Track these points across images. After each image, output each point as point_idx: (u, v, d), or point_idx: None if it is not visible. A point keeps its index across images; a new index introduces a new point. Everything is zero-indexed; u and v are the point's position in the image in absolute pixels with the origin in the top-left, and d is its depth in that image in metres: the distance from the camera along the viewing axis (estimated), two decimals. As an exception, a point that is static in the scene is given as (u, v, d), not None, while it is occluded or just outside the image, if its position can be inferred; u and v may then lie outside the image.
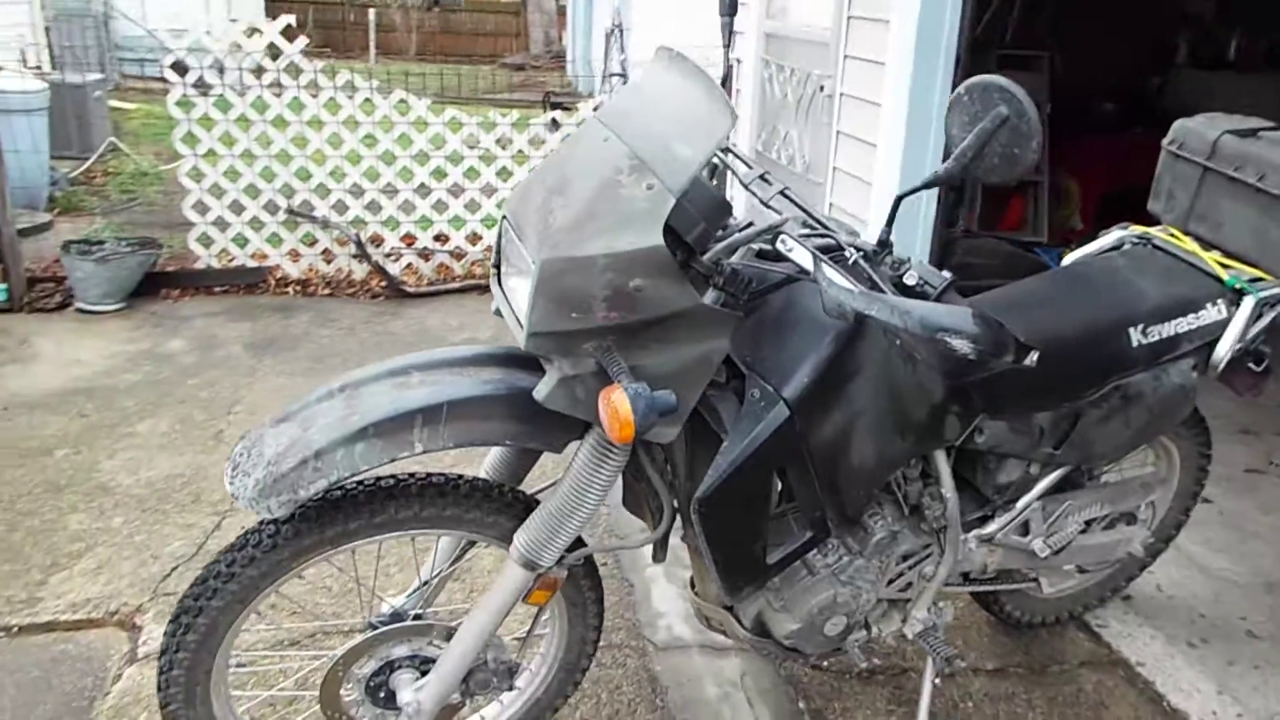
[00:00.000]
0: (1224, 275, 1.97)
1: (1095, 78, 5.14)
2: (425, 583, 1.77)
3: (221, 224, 4.70)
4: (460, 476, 1.61)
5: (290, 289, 4.78)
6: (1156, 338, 1.89)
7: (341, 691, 1.65)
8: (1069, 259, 2.18)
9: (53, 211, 5.84)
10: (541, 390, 1.40)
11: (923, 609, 1.98)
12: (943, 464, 1.82)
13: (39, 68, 8.35)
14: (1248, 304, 1.93)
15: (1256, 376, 2.10)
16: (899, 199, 1.42)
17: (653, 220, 1.29)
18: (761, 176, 1.52)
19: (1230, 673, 2.30)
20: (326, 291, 4.80)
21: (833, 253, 1.43)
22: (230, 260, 4.78)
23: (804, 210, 1.48)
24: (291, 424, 1.44)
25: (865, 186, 3.59)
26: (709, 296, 1.46)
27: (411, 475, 1.57)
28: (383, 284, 4.83)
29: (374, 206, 4.84)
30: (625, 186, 1.32)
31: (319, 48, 16.16)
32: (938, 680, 2.14)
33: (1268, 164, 1.94)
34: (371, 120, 4.67)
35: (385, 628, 1.63)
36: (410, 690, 1.65)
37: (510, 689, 1.75)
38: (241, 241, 4.77)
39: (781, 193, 1.48)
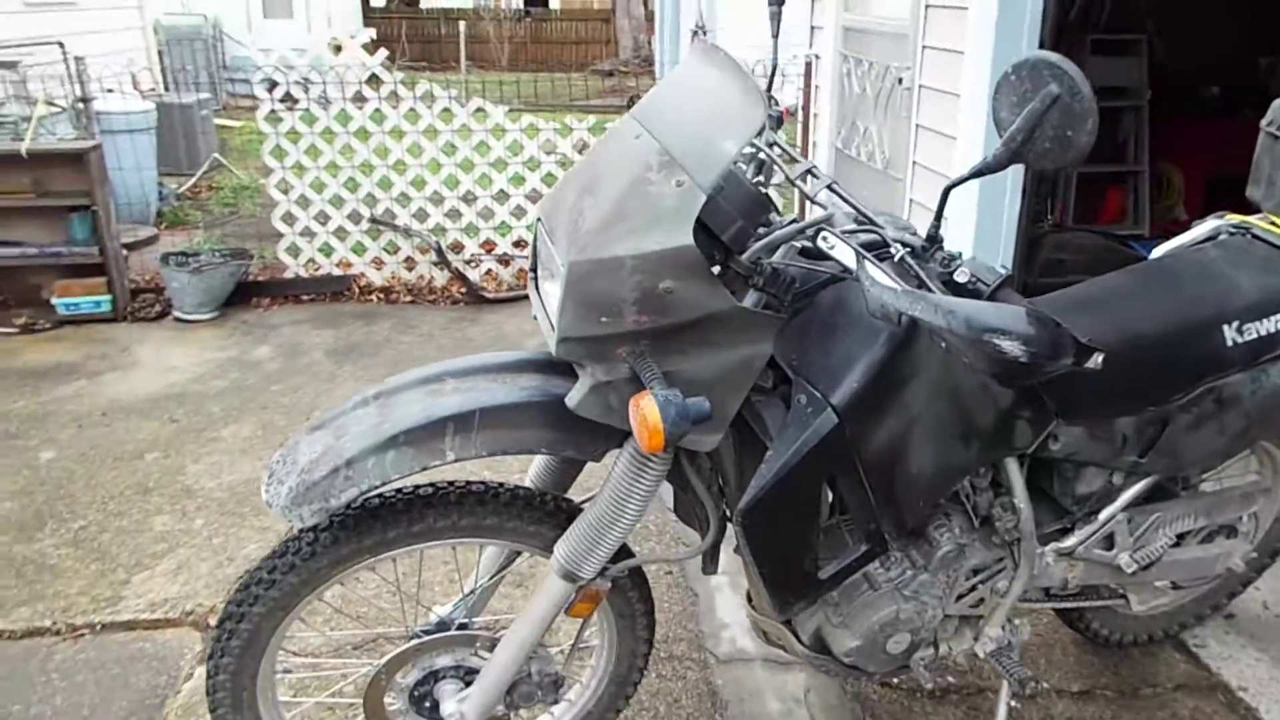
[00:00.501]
0: (1332, 264, 1.80)
1: (1198, 60, 4.82)
2: (470, 592, 1.75)
3: (308, 234, 4.83)
4: (501, 485, 1.58)
5: (374, 296, 4.88)
6: (1254, 335, 1.74)
7: (385, 700, 1.65)
8: (1158, 252, 2.02)
9: (159, 226, 6.12)
10: (574, 397, 1.36)
11: (996, 626, 1.87)
12: (1014, 473, 1.71)
13: (153, 89, 8.78)
14: (1357, 297, 1.75)
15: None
16: (947, 189, 1.33)
17: (682, 219, 1.24)
18: (809, 171, 1.45)
19: (1347, 702, 2.10)
20: (408, 299, 4.89)
21: (878, 249, 1.35)
22: (316, 269, 4.92)
23: (852, 205, 1.41)
24: (325, 431, 1.44)
25: (945, 181, 3.44)
26: (749, 299, 1.40)
27: (450, 484, 1.55)
28: (462, 290, 4.89)
29: (454, 214, 4.91)
30: (654, 184, 1.27)
31: (415, 61, 16.64)
32: (1015, 703, 2.01)
33: (1381, 143, 1.76)
34: (450, 129, 4.73)
35: (428, 637, 1.62)
36: (454, 701, 1.63)
37: (555, 702, 1.71)
38: (327, 251, 4.90)
39: (829, 187, 1.40)
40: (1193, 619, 2.28)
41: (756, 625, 1.91)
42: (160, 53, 10.23)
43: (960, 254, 1.34)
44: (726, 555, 2.70)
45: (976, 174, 1.30)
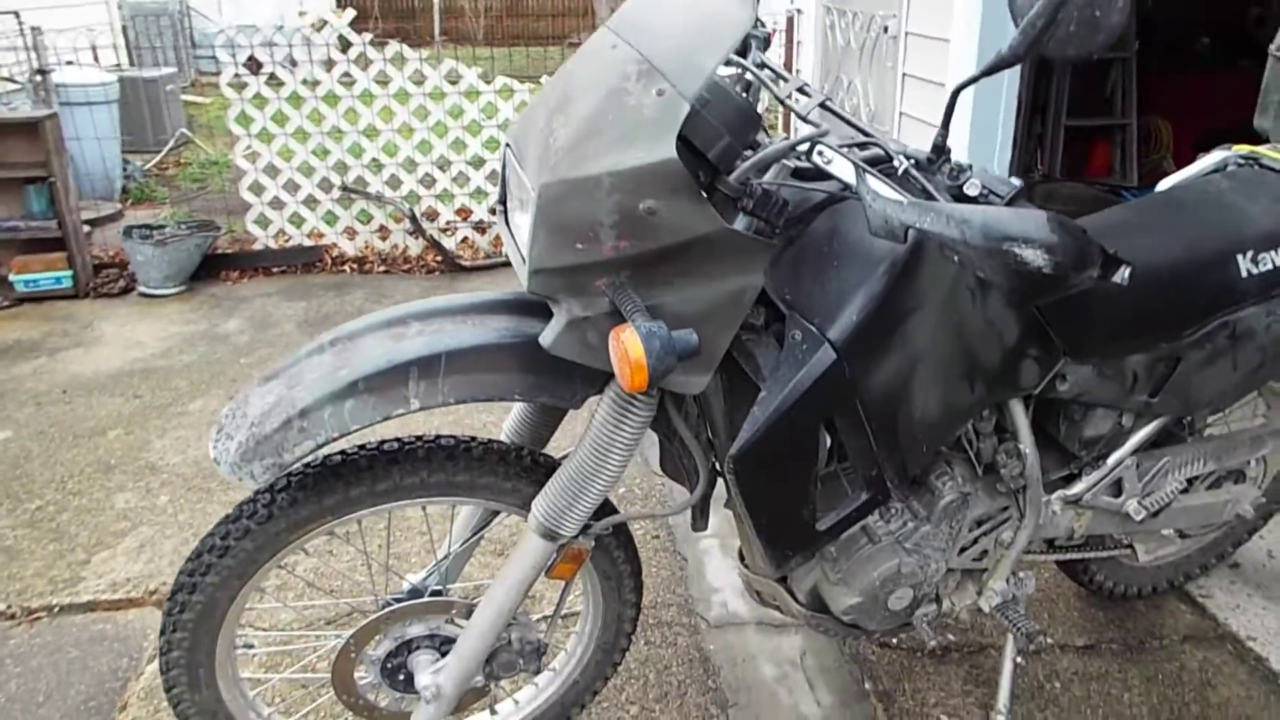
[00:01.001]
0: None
1: (1187, 11, 4.72)
2: (445, 557, 1.64)
3: (277, 204, 4.68)
4: (473, 439, 1.47)
5: (347, 267, 4.74)
6: (1270, 266, 1.64)
7: (355, 674, 1.54)
8: (1164, 185, 1.92)
9: (125, 202, 5.93)
10: (548, 335, 1.24)
11: (1000, 580, 1.78)
12: (1020, 416, 1.61)
13: (116, 65, 8.53)
14: (1377, 222, 1.66)
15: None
16: (956, 91, 1.22)
17: (663, 130, 1.12)
18: (800, 89, 1.33)
19: (1361, 649, 2.03)
20: (382, 269, 4.74)
21: (881, 164, 1.24)
22: (287, 240, 4.76)
23: (849, 122, 1.29)
24: (278, 381, 1.32)
25: (933, 131, 3.33)
26: (739, 223, 1.28)
27: (419, 438, 1.44)
28: (438, 259, 4.75)
29: (428, 180, 4.76)
30: (632, 95, 1.15)
31: (388, 37, 16.31)
32: (1020, 659, 1.93)
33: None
34: (422, 91, 4.57)
35: (399, 604, 1.51)
36: (428, 673, 1.52)
37: (538, 671, 1.61)
38: (298, 221, 4.74)
39: (822, 104, 1.28)
40: (1198, 569, 2.21)
41: (750, 585, 1.82)
42: (125, 28, 9.95)
43: (969, 165, 1.23)
44: (717, 515, 2.60)
45: (990, 70, 1.18)
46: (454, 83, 4.61)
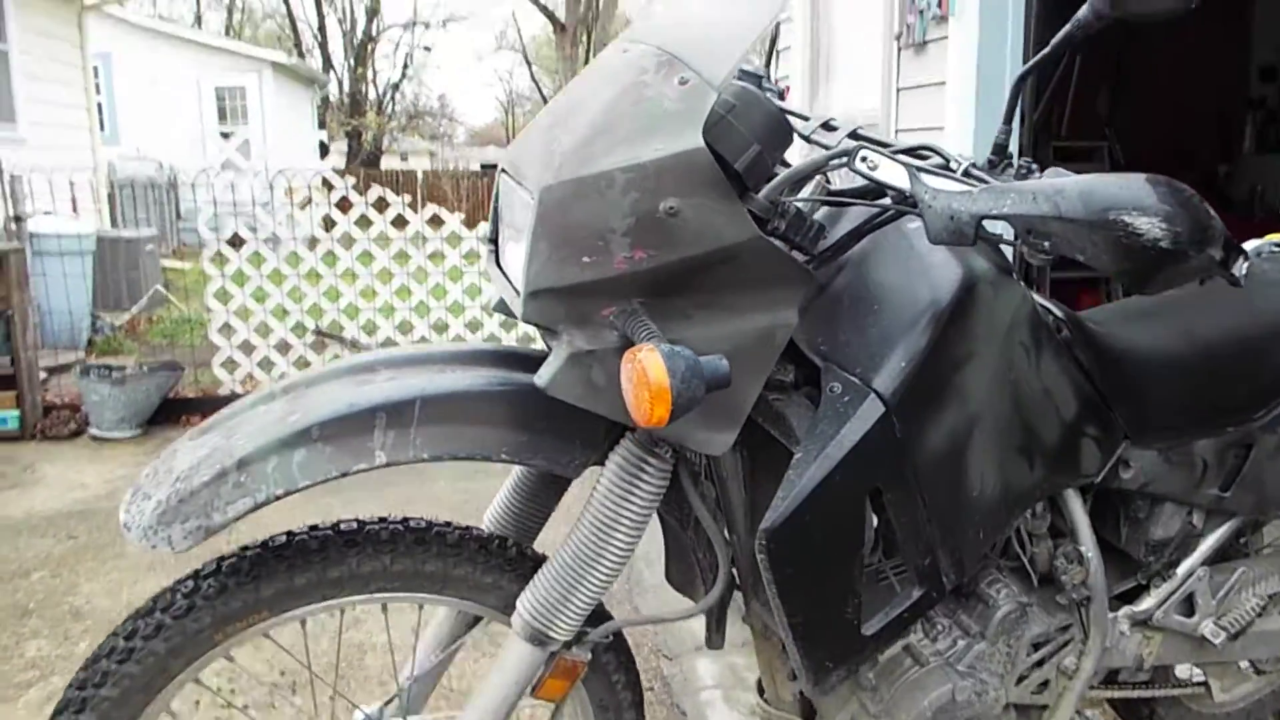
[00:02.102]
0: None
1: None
2: (410, 680, 1.35)
3: (247, 348, 4.50)
4: (448, 523, 1.23)
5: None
6: (1338, 342, 1.49)
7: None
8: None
9: (90, 354, 5.74)
10: (545, 373, 1.03)
11: (1066, 715, 1.50)
12: (1079, 510, 1.40)
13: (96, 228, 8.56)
14: None
15: None
16: (1020, 79, 1.08)
17: (688, 120, 0.97)
18: (826, 124, 1.20)
19: None
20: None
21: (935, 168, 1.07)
22: (255, 385, 4.55)
23: (886, 146, 1.15)
24: (214, 433, 1.09)
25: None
26: None
27: (382, 520, 1.20)
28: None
29: (405, 326, 4.62)
30: (651, 86, 1.00)
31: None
32: (1093, 818, 1.62)
33: None
34: (403, 236, 4.52)
35: (349, 736, 1.21)
36: (382, 825, 1.21)
37: (518, 824, 1.29)
38: (267, 366, 4.55)
39: (853, 134, 1.15)
40: (1272, 716, 1.92)
41: (770, 723, 1.53)
42: (111, 195, 10.08)
43: (1036, 164, 1.07)
44: (718, 663, 2.28)
45: (1064, 44, 1.04)
46: (436, 229, 4.57)
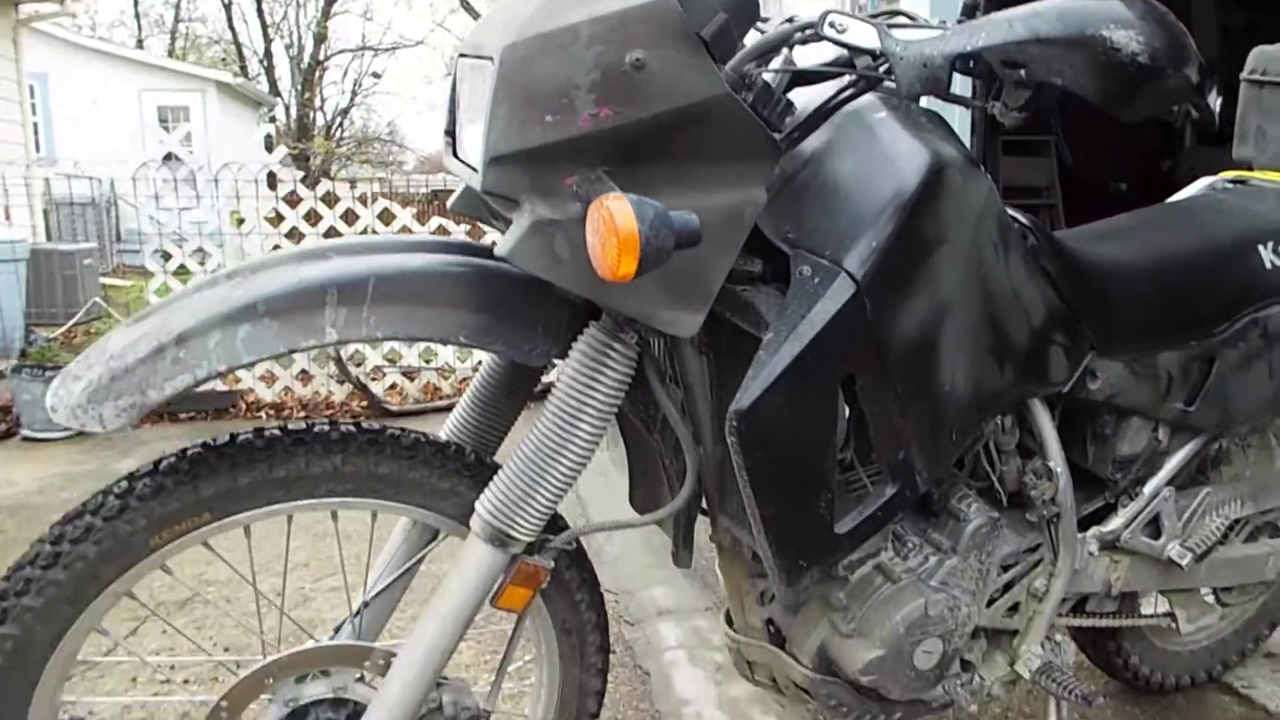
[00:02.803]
0: (1351, 194, 1.61)
1: (1104, 164, 4.96)
2: (362, 605, 1.28)
3: (190, 346, 4.35)
4: (403, 429, 1.17)
5: (263, 414, 4.38)
6: (1293, 258, 1.51)
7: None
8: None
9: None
10: (507, 241, 0.99)
11: (1036, 641, 1.48)
12: (1046, 423, 1.39)
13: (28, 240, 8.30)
14: (1393, 217, 1.55)
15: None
16: None
17: None
18: (790, 19, 1.17)
19: None
20: (302, 414, 4.40)
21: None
22: (198, 385, 4.41)
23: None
24: (152, 317, 1.03)
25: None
26: None
27: (332, 422, 1.14)
28: (364, 404, 4.44)
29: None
30: None
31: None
32: (1068, 740, 1.59)
33: (1383, 59, 1.62)
34: (353, 231, 4.43)
35: (291, 651, 1.14)
36: (330, 751, 1.14)
37: (478, 751, 1.22)
38: (211, 365, 4.41)
39: (825, 15, 1.12)
40: (1235, 655, 1.93)
41: (739, 656, 1.48)
42: (47, 213, 9.80)
43: None
44: (681, 626, 2.23)
45: None
46: (388, 224, 4.49)
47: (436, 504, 1.17)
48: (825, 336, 1.06)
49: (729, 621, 1.46)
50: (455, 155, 1.16)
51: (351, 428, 1.13)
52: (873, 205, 1.11)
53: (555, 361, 1.13)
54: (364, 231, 4.45)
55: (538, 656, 1.33)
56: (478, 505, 1.12)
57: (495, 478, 1.12)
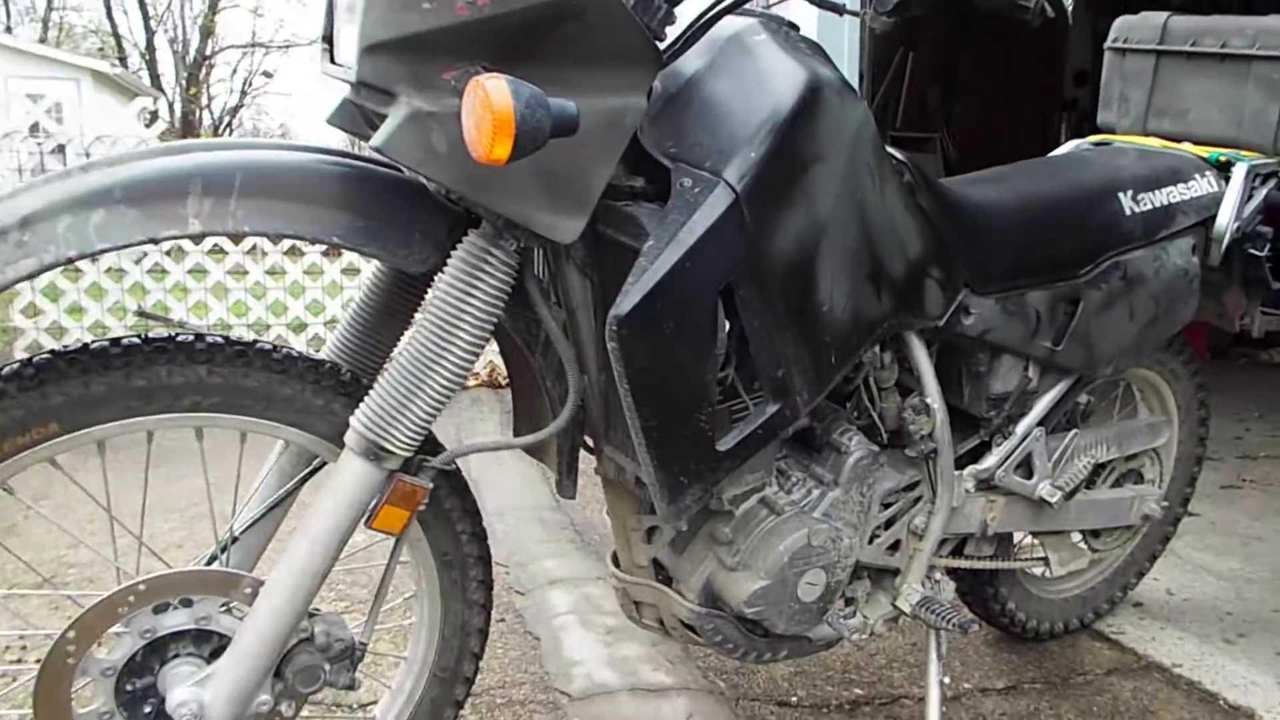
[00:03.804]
0: (1203, 153, 1.72)
1: (985, 159, 5.17)
2: (229, 537, 1.22)
3: (58, 331, 4.12)
4: (274, 343, 1.12)
5: (137, 403, 4.16)
6: (1149, 206, 1.60)
7: (72, 700, 1.06)
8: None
9: None
10: (382, 133, 0.96)
11: (917, 579, 1.52)
12: (924, 359, 1.43)
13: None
14: (1239, 172, 1.66)
15: (1248, 295, 1.81)
16: None
17: None
18: None
19: (1286, 663, 1.86)
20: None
21: None
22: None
23: None
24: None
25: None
26: None
27: (198, 334, 1.08)
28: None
29: (239, 307, 4.35)
30: None
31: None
32: (946, 678, 1.63)
33: (1228, 29, 1.74)
34: (240, 250, 4.27)
35: (146, 578, 1.07)
36: (187, 686, 1.07)
37: (351, 686, 1.17)
38: (81, 352, 4.17)
39: None
40: (1106, 603, 2.02)
41: (625, 596, 1.47)
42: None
43: None
44: (570, 594, 2.21)
45: None
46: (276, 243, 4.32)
47: (310, 423, 1.12)
48: (705, 244, 1.06)
49: (615, 562, 1.45)
50: (333, 62, 1.12)
51: (219, 339, 1.07)
52: (752, 120, 1.12)
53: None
54: (252, 247, 4.28)
55: (418, 593, 1.29)
56: (352, 419, 1.08)
57: (373, 389, 1.08)
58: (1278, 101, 1.67)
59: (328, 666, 1.14)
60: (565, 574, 2.30)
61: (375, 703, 1.36)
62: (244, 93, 22.45)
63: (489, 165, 0.93)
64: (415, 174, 1.08)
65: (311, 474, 1.23)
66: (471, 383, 4.25)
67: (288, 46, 21.87)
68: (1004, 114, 5.02)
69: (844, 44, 3.38)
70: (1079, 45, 5.12)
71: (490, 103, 0.85)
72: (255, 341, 1.10)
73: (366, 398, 1.08)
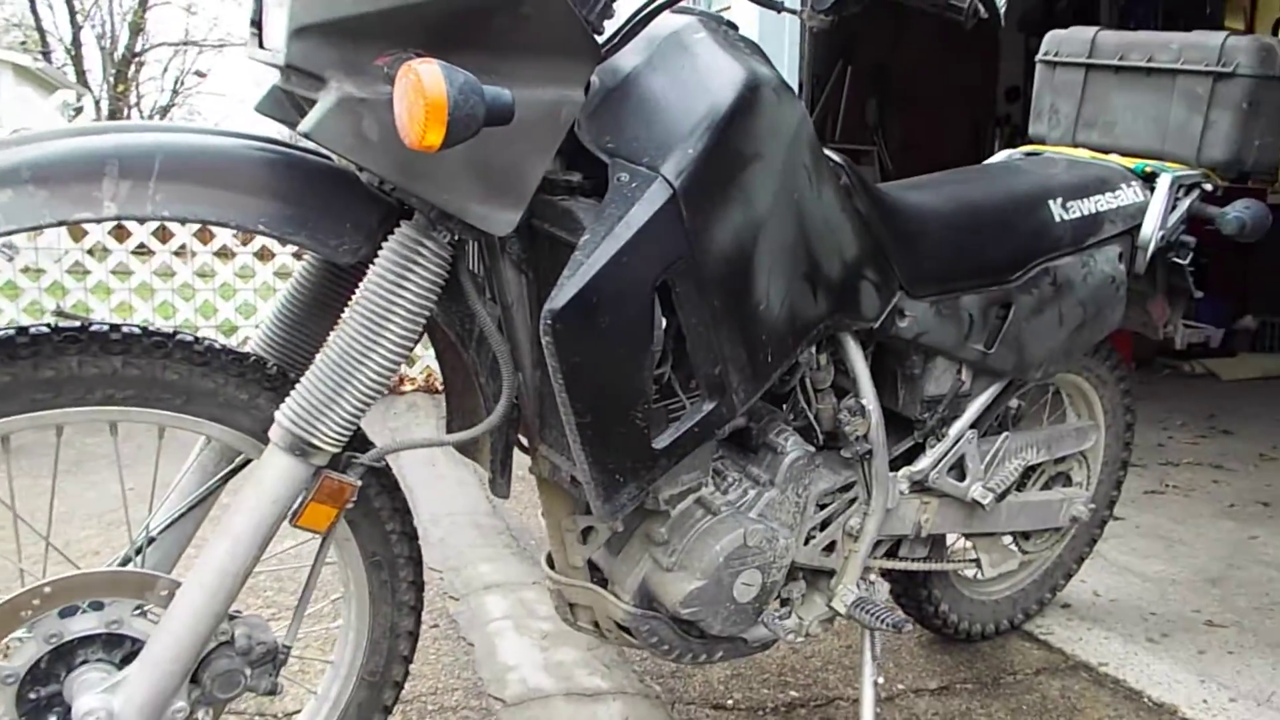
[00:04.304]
0: (1130, 164, 1.76)
1: (920, 172, 5.28)
2: (145, 537, 1.17)
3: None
4: (196, 335, 1.08)
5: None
6: (1078, 214, 1.63)
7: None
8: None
9: None
10: (311, 117, 0.93)
11: (853, 580, 1.53)
12: (859, 360, 1.44)
13: None
14: (1164, 182, 1.71)
15: (1172, 304, 1.87)
16: None
17: None
18: None
19: (1205, 660, 1.91)
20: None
21: None
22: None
23: None
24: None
25: None
26: None
27: (113, 325, 1.04)
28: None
29: (166, 308, 4.22)
30: None
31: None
32: (880, 679, 1.64)
33: (1154, 44, 1.79)
34: (168, 250, 4.13)
35: (51, 580, 1.02)
36: (96, 692, 1.02)
37: (273, 691, 1.13)
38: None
39: None
40: (1035, 604, 2.05)
41: (560, 598, 1.45)
42: None
43: None
44: (507, 598, 2.18)
45: None
46: (205, 242, 4.18)
47: (233, 418, 1.08)
48: (641, 238, 1.05)
49: (550, 564, 1.43)
50: (262, 46, 1.09)
51: (135, 328, 1.03)
52: (691, 116, 1.12)
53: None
54: (180, 247, 4.14)
55: (346, 595, 1.25)
56: (278, 413, 1.04)
57: (299, 383, 1.05)
58: (1200, 114, 1.72)
59: (248, 671, 1.10)
60: (501, 579, 2.26)
61: (300, 711, 1.31)
62: (176, 92, 21.86)
63: (421, 153, 0.91)
64: (347, 162, 1.05)
65: (234, 472, 1.19)
66: (408, 388, 4.18)
67: (222, 46, 21.35)
68: (939, 128, 5.13)
69: (784, 52, 3.41)
70: (1011, 62, 5.26)
71: (423, 87, 0.83)
72: (176, 332, 1.05)
73: (293, 391, 1.04)
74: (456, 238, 1.07)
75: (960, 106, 5.23)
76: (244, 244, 4.26)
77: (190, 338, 1.06)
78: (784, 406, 1.51)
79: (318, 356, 1.05)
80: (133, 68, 20.41)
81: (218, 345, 1.07)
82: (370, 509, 1.19)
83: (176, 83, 21.96)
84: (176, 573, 1.16)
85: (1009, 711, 1.74)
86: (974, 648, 1.98)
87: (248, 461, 1.16)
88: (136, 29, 20.04)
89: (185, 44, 21.25)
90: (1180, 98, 1.74)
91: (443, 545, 2.46)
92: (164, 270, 4.10)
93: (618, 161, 1.11)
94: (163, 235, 4.10)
